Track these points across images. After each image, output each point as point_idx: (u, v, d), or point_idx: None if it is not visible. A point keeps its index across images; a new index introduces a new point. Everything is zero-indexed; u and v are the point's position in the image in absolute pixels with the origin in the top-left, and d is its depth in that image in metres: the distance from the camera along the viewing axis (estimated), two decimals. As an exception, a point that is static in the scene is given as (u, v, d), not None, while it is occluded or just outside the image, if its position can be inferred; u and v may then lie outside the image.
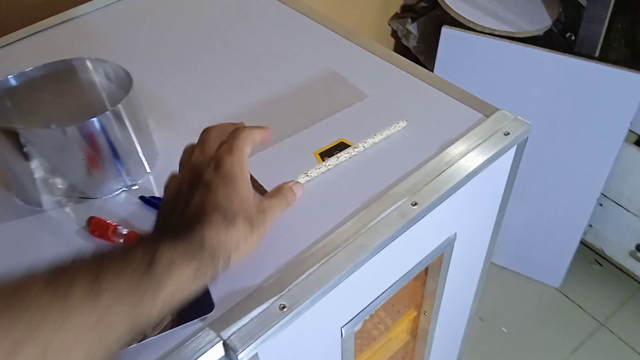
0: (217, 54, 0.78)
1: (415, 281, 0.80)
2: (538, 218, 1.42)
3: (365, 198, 0.58)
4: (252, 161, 0.60)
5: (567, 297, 1.50)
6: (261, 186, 0.58)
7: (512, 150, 0.67)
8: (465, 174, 0.60)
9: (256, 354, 0.49)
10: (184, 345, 0.48)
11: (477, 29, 1.26)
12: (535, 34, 1.27)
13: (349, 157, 0.62)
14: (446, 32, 1.27)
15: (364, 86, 0.72)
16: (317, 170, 0.60)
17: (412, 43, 1.40)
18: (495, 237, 0.80)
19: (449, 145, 0.63)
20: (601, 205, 1.39)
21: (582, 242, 1.49)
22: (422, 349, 0.87)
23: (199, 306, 0.50)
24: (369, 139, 0.63)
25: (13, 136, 0.54)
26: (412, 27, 1.38)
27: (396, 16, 1.45)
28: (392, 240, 0.56)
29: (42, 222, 0.58)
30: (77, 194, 0.59)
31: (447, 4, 1.29)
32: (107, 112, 0.55)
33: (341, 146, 0.62)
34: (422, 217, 0.58)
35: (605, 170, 1.29)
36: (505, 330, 1.43)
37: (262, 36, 0.80)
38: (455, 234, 0.68)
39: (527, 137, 0.67)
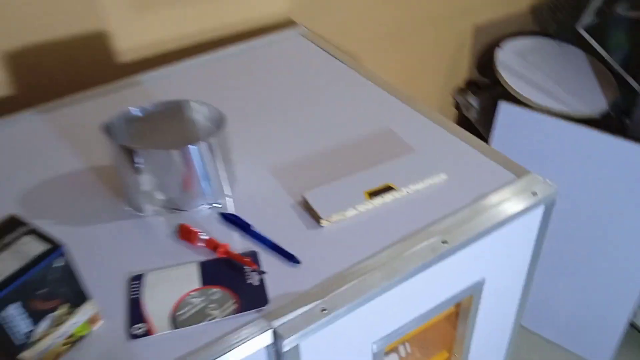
0: (295, 107, 0.92)
1: (447, 323, 0.88)
2: (588, 295, 1.45)
3: (403, 233, 0.69)
4: (312, 193, 0.73)
5: (612, 376, 1.49)
6: (316, 212, 0.70)
7: (540, 209, 0.76)
8: (493, 223, 0.70)
9: (297, 345, 0.60)
10: (243, 328, 0.59)
11: (534, 107, 1.36)
12: (591, 116, 1.35)
13: (393, 199, 0.74)
14: (503, 106, 1.38)
15: (413, 142, 0.84)
16: (365, 206, 0.72)
17: (472, 115, 1.52)
18: (526, 296, 0.88)
19: (482, 198, 0.73)
20: (651, 287, 1.40)
21: (634, 325, 1.49)
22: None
23: (257, 300, 0.62)
24: (411, 186, 0.75)
25: (130, 153, 0.69)
26: (474, 100, 1.50)
27: (460, 90, 1.57)
28: (422, 270, 0.66)
29: (142, 225, 0.72)
30: (171, 206, 0.73)
31: (506, 81, 1.40)
32: (202, 143, 0.70)
33: (387, 189, 0.74)
34: (450, 255, 0.68)
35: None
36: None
37: (333, 96, 0.95)
38: (484, 279, 0.77)
39: (555, 199, 0.76)
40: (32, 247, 0.53)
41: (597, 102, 1.38)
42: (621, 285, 1.40)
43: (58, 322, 0.56)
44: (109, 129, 0.72)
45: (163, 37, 1.08)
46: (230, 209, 0.74)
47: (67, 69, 1.01)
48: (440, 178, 0.77)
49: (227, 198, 0.76)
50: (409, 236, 0.69)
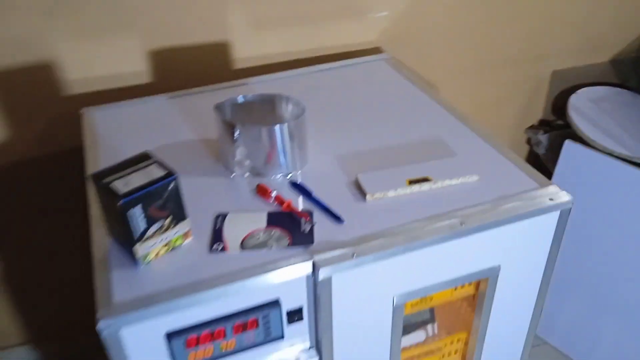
0: (365, 115, 1.12)
1: (467, 306, 1.01)
2: (631, 323, 1.48)
3: (429, 214, 0.86)
4: (364, 174, 0.92)
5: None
6: (363, 189, 0.89)
7: (556, 214, 0.89)
8: (508, 216, 0.85)
9: (330, 277, 0.78)
10: (292, 257, 0.78)
11: (597, 147, 1.45)
12: (653, 162, 1.42)
13: (428, 189, 0.90)
14: (568, 145, 1.48)
15: (458, 150, 1.00)
16: (403, 190, 0.90)
17: (541, 151, 1.62)
18: (543, 298, 0.99)
19: (503, 197, 0.88)
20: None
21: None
22: (470, 375, 1.06)
23: (305, 241, 0.81)
24: (446, 180, 0.91)
25: (231, 127, 0.92)
26: (543, 138, 1.60)
27: (532, 127, 1.69)
28: (440, 242, 0.82)
29: (231, 183, 0.95)
30: (254, 171, 0.95)
31: (574, 123, 1.51)
32: (284, 125, 0.91)
33: (425, 180, 0.91)
34: (466, 235, 0.83)
35: None
36: None
37: (399, 109, 1.13)
38: (500, 266, 0.91)
39: (570, 208, 0.89)
40: (155, 172, 0.76)
41: (662, 151, 1.44)
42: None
43: (164, 229, 0.78)
44: (218, 108, 0.95)
45: (271, 52, 1.33)
46: (298, 179, 0.94)
47: (195, 68, 1.28)
48: (472, 178, 0.92)
49: (297, 171, 0.96)
50: (433, 216, 0.85)
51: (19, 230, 1.39)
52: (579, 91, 1.62)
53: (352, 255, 0.79)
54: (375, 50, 1.42)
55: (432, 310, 1.09)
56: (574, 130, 1.51)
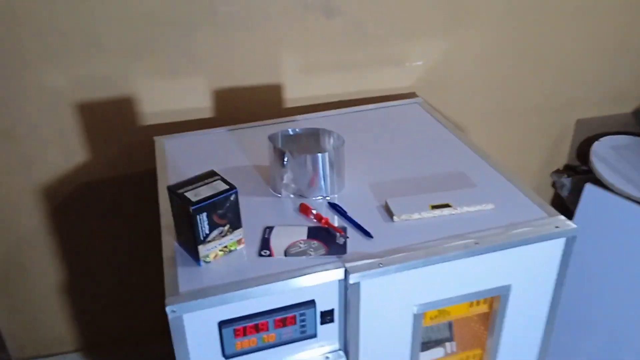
0: (397, 151, 1.27)
1: (480, 324, 1.12)
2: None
3: (449, 234, 0.99)
4: (392, 199, 1.06)
5: None
6: (391, 211, 1.03)
7: (562, 241, 1.00)
8: (519, 239, 0.97)
9: (359, 282, 0.92)
10: (327, 263, 0.93)
11: (617, 191, 1.55)
12: (670, 206, 1.50)
13: (449, 213, 1.04)
14: (589, 187, 1.59)
15: (477, 182, 1.13)
16: (427, 214, 1.03)
17: (564, 193, 1.72)
18: (553, 319, 1.09)
19: (515, 224, 1.01)
20: None
21: None
22: (485, 389, 1.16)
23: (339, 251, 0.95)
24: (465, 207, 1.04)
25: (281, 155, 1.08)
26: (567, 181, 1.71)
27: (558, 171, 1.80)
28: (456, 259, 0.95)
29: (278, 202, 1.10)
30: (298, 193, 1.11)
31: (596, 168, 1.61)
32: (326, 153, 1.07)
33: (446, 206, 1.04)
34: (480, 254, 0.96)
35: None
36: None
37: (428, 146, 1.28)
38: (511, 285, 1.02)
39: (575, 236, 1.00)
40: (219, 186, 0.93)
41: (679, 196, 1.53)
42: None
43: (222, 235, 0.94)
44: (271, 138, 1.12)
45: (318, 94, 1.51)
46: (336, 201, 1.09)
47: (251, 105, 1.47)
48: (488, 207, 1.05)
49: (335, 195, 1.11)
50: (451, 236, 0.98)
51: (88, 239, 1.58)
52: (602, 139, 1.73)
53: (379, 264, 0.93)
54: (411, 95, 1.57)
55: (450, 328, 1.20)
56: (596, 174, 1.62)
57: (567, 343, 1.75)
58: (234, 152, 1.29)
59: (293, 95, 1.49)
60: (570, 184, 1.71)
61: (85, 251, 1.59)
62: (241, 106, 1.48)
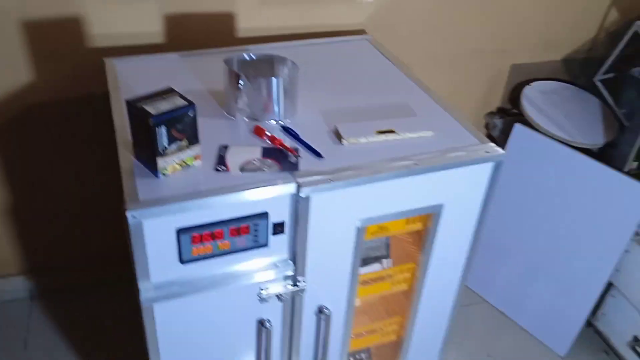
0: (343, 81, 1.33)
1: (415, 241, 1.23)
2: (558, 292, 1.73)
3: (392, 156, 1.08)
4: (342, 124, 1.13)
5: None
6: (340, 135, 1.10)
7: (489, 165, 1.12)
8: (451, 162, 1.07)
9: (309, 197, 1.00)
10: (280, 179, 1.00)
11: (542, 132, 1.69)
12: (587, 146, 1.66)
13: (393, 139, 1.13)
14: (517, 127, 1.72)
15: (419, 112, 1.22)
16: (373, 138, 1.11)
17: (495, 134, 1.86)
18: (477, 242, 1.22)
19: (450, 149, 1.11)
20: (613, 296, 1.67)
21: (595, 330, 1.76)
22: (416, 300, 1.28)
23: (292, 166, 1.02)
24: (407, 133, 1.13)
25: (237, 78, 1.12)
26: (498, 122, 1.84)
27: (490, 113, 1.93)
28: (396, 177, 1.04)
29: (233, 124, 1.15)
30: (253, 117, 1.16)
31: (525, 110, 1.75)
32: (280, 78, 1.12)
33: (390, 132, 1.13)
34: (418, 174, 1.06)
35: (612, 260, 1.60)
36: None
37: (374, 79, 1.35)
38: (443, 205, 1.13)
39: (502, 161, 1.11)
40: (178, 102, 0.97)
41: (596, 138, 1.69)
42: (584, 288, 1.67)
43: (180, 149, 0.99)
44: (227, 62, 1.16)
45: (271, 25, 1.54)
46: (288, 125, 1.16)
47: (204, 33, 1.49)
48: (428, 134, 1.15)
49: (288, 120, 1.17)
50: (394, 158, 1.07)
51: (34, 161, 1.57)
52: (533, 84, 1.86)
53: (328, 180, 1.01)
54: (361, 32, 1.63)
55: (387, 247, 1.31)
56: (524, 115, 1.75)
57: (487, 268, 1.92)
58: (187, 76, 1.31)
59: (246, 25, 1.52)
60: (502, 124, 1.85)
61: (31, 173, 1.59)
62: (194, 33, 1.49)
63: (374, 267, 1.30)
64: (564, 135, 1.68)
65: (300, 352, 1.25)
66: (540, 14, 1.80)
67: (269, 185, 0.99)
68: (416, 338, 1.39)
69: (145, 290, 1.01)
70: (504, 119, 1.85)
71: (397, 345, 1.41)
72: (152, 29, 1.45)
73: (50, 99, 1.48)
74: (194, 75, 1.32)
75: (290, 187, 1.00)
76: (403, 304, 1.35)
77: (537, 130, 1.71)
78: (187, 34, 1.48)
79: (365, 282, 1.26)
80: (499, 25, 1.77)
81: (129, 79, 1.28)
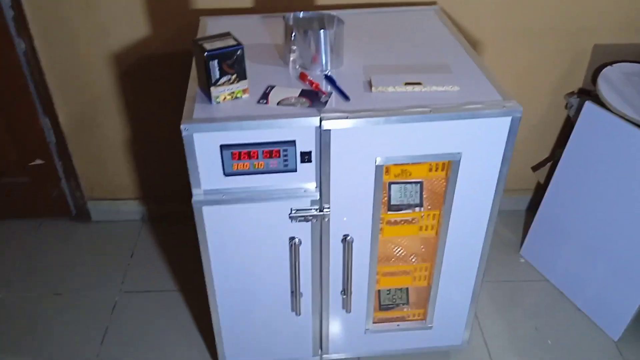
0: (396, 41, 1.47)
1: (439, 189, 1.34)
2: (615, 271, 1.69)
3: (411, 103, 1.20)
4: (375, 76, 1.28)
5: (620, 353, 1.70)
6: (371, 84, 1.25)
7: (507, 120, 1.19)
8: (469, 112, 1.17)
9: (330, 130, 1.17)
10: (308, 113, 1.18)
11: (613, 111, 1.66)
12: (660, 128, 1.61)
13: (419, 90, 1.25)
14: (588, 105, 1.71)
15: (455, 72, 1.32)
16: (400, 88, 1.25)
17: (571, 113, 1.84)
18: (499, 194, 1.30)
19: (470, 102, 1.20)
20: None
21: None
22: (442, 246, 1.39)
23: (320, 105, 1.20)
24: (433, 86, 1.25)
25: (290, 31, 1.32)
26: (575, 101, 1.83)
27: (570, 93, 1.91)
28: (410, 122, 1.17)
29: (285, 71, 1.36)
30: (303, 67, 1.35)
31: (600, 89, 1.72)
32: (326, 30, 1.29)
33: (418, 84, 1.25)
34: (432, 120, 1.17)
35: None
36: (550, 343, 1.73)
37: (426, 44, 1.47)
38: (461, 153, 1.23)
39: (520, 117, 1.19)
40: (230, 42, 1.19)
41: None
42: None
43: (230, 82, 1.21)
44: (285, 18, 1.36)
45: (346, -6, 1.72)
46: (331, 74, 1.33)
47: (287, 0, 1.72)
48: (454, 88, 1.25)
49: (333, 70, 1.35)
50: (414, 105, 1.20)
51: (146, 103, 1.92)
52: (616, 65, 1.82)
53: (347, 116, 1.17)
54: (432, 4, 1.74)
55: (421, 196, 1.43)
56: (598, 94, 1.73)
57: (549, 246, 1.92)
58: (262, 33, 1.54)
59: (322, -7, 1.72)
60: (577, 103, 1.83)
61: (144, 112, 1.94)
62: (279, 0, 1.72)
63: (405, 213, 1.42)
64: (636, 116, 1.64)
65: (330, 276, 1.42)
66: (630, -7, 1.76)
67: (296, 117, 1.18)
68: (444, 286, 1.49)
69: (197, 195, 1.26)
70: (580, 98, 1.83)
71: (428, 292, 1.53)
72: (245, -5, 1.71)
73: (160, 52, 1.80)
74: (267, 32, 1.54)
75: (315, 120, 1.18)
76: (433, 251, 1.46)
77: (608, 109, 1.69)
78: (273, 1, 1.72)
79: (392, 222, 1.40)
80: (579, 3, 1.76)
81: (215, 33, 1.54)
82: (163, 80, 1.86)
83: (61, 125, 1.98)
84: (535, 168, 2.15)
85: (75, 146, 2.03)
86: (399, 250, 1.53)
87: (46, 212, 2.22)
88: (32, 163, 2.08)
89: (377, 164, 1.24)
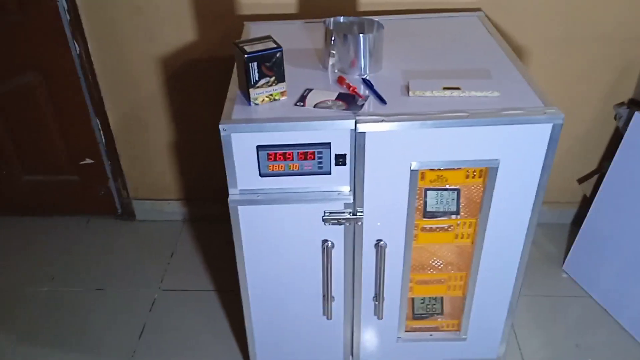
0: (437, 47, 1.46)
1: (475, 197, 1.31)
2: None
3: (449, 108, 1.19)
4: (413, 80, 1.28)
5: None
6: (409, 88, 1.25)
7: (548, 127, 1.16)
8: (508, 117, 1.15)
9: (365, 132, 1.17)
10: (343, 116, 1.18)
11: (665, 122, 1.60)
12: None
13: (457, 95, 1.23)
14: (637, 116, 1.65)
15: (496, 77, 1.30)
16: (438, 93, 1.24)
17: (620, 124, 1.78)
18: (539, 204, 1.26)
19: (510, 107, 1.18)
20: None
21: None
22: (478, 255, 1.36)
23: (356, 108, 1.20)
24: (472, 92, 1.23)
25: (330, 35, 1.33)
26: (624, 112, 1.76)
27: (620, 103, 1.84)
28: (447, 127, 1.16)
29: (325, 75, 1.37)
30: (342, 71, 1.36)
31: (651, 99, 1.66)
32: (365, 35, 1.30)
33: (457, 89, 1.24)
34: (469, 125, 1.16)
35: None
36: (591, 361, 1.67)
37: (470, 51, 1.45)
38: (499, 160, 1.21)
39: (561, 123, 1.15)
40: (270, 45, 1.21)
41: None
42: None
43: (269, 84, 1.23)
44: (325, 22, 1.37)
45: (389, 0, 1.72)
46: (371, 81, 1.33)
47: (329, 6, 1.72)
48: (494, 94, 1.23)
49: (372, 74, 1.35)
50: (452, 110, 1.19)
51: (192, 106, 1.97)
52: (669, 75, 1.75)
53: (382, 119, 1.17)
54: (476, 10, 1.72)
55: (458, 203, 1.40)
56: (650, 106, 1.67)
57: (593, 262, 1.85)
58: (304, 38, 1.56)
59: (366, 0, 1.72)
60: (627, 115, 1.77)
61: (189, 115, 1.99)
62: (320, 5, 1.74)
63: (442, 220, 1.40)
64: (689, 127, 1.57)
65: (362, 281, 1.42)
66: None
67: (332, 120, 1.18)
68: (479, 297, 1.46)
69: (233, 194, 1.28)
70: (630, 108, 1.77)
71: (463, 302, 1.50)
72: (288, 1, 1.73)
73: (206, 56, 1.85)
74: (309, 37, 1.56)
75: (350, 123, 1.18)
76: (469, 261, 1.43)
77: (659, 120, 1.62)
78: (315, 6, 1.74)
79: (427, 229, 1.38)
80: (628, 11, 1.70)
81: (258, 38, 1.57)
82: (208, 83, 1.91)
83: (110, 126, 2.05)
84: (581, 180, 2.08)
85: (123, 147, 2.10)
86: (434, 258, 1.51)
87: (94, 210, 2.30)
88: (83, 162, 2.17)
89: (412, 168, 1.23)
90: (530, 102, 1.21)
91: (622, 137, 1.78)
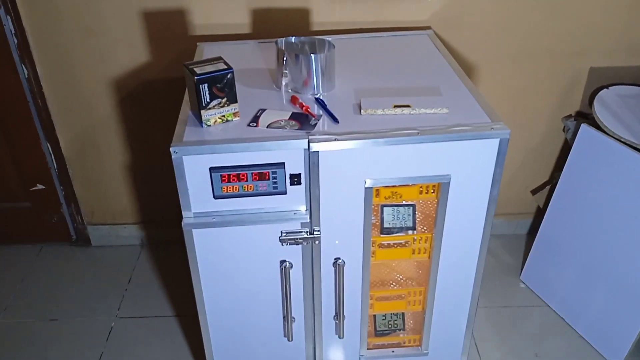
0: (388, 66, 1.48)
1: (431, 211, 1.33)
2: (615, 295, 1.66)
3: (399, 126, 1.21)
4: (364, 99, 1.29)
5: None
6: (361, 107, 1.26)
7: (496, 142, 1.19)
8: (456, 134, 1.17)
9: (318, 151, 1.17)
10: (296, 135, 1.19)
11: (609, 133, 1.66)
12: (657, 151, 1.60)
13: (408, 113, 1.25)
14: (584, 128, 1.70)
15: (445, 95, 1.33)
16: (389, 111, 1.25)
17: (568, 136, 1.84)
18: (491, 213, 1.29)
19: (457, 124, 1.20)
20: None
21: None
22: (435, 270, 1.37)
23: (309, 127, 1.20)
24: (422, 109, 1.25)
25: (282, 55, 1.34)
26: (571, 124, 1.82)
27: (568, 116, 1.91)
28: (398, 144, 1.17)
29: (277, 95, 1.37)
30: (295, 90, 1.36)
31: (595, 112, 1.72)
32: (317, 54, 1.31)
33: (407, 106, 1.26)
34: (420, 142, 1.17)
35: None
36: (550, 370, 1.69)
37: (416, 66, 1.48)
38: (450, 175, 1.23)
39: (508, 138, 1.18)
40: (220, 66, 1.21)
41: (669, 143, 1.61)
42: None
43: (221, 105, 1.22)
44: (277, 42, 1.38)
45: (341, 20, 1.74)
46: (324, 100, 1.34)
47: (282, 26, 1.73)
48: (443, 111, 1.26)
49: (325, 93, 1.36)
50: (402, 127, 1.20)
51: (146, 128, 1.94)
52: (612, 87, 1.82)
53: (334, 139, 1.17)
54: (425, 29, 1.76)
55: (414, 219, 1.42)
56: (594, 116, 1.73)
57: (548, 271, 1.90)
58: (257, 58, 1.56)
59: (318, 19, 1.74)
60: (574, 127, 1.83)
61: (143, 137, 1.96)
62: (274, 26, 1.74)
63: (399, 236, 1.41)
64: (632, 139, 1.63)
65: (322, 299, 1.41)
66: (622, 17, 1.77)
67: (284, 140, 1.18)
68: (438, 311, 1.47)
69: (187, 217, 1.26)
70: (578, 121, 1.83)
71: (423, 317, 1.50)
72: (241, 21, 1.74)
73: (160, 77, 1.83)
74: (262, 58, 1.56)
75: (303, 143, 1.18)
76: (427, 275, 1.44)
77: (604, 132, 1.68)
78: (268, 26, 1.74)
79: (385, 246, 1.39)
80: (575, 25, 1.77)
81: (211, 59, 1.57)
82: (162, 104, 1.89)
83: (62, 150, 2.00)
84: (534, 192, 2.13)
85: (76, 171, 2.05)
86: (394, 274, 1.51)
87: (47, 237, 2.23)
88: (34, 188, 2.11)
89: (366, 186, 1.24)
90: (478, 118, 1.24)
91: (570, 148, 1.84)
